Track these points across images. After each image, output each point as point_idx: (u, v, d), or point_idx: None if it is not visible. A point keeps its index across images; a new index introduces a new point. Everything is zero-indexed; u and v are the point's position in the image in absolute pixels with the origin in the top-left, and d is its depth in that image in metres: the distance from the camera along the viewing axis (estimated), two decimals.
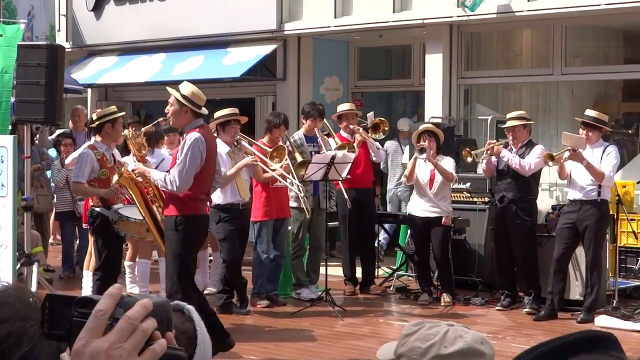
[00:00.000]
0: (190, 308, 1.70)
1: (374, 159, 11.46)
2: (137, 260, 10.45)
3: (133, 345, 1.35)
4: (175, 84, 16.04)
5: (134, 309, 1.37)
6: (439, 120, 12.93)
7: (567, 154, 9.66)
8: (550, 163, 9.92)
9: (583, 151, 9.69)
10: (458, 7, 12.82)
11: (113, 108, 9.52)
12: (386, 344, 2.65)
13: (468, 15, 12.83)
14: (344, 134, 11.45)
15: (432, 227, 10.68)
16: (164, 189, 8.10)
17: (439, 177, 10.58)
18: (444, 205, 10.68)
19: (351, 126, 11.33)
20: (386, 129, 11.51)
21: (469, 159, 10.57)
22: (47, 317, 1.42)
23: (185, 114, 8.01)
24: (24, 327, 1.56)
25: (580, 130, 9.90)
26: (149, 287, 10.36)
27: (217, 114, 10.11)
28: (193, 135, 7.96)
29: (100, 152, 8.98)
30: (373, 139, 11.35)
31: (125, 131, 8.87)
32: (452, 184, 10.88)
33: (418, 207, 10.78)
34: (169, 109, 8.06)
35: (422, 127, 11.06)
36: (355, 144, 11.11)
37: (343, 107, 11.71)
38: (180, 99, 7.95)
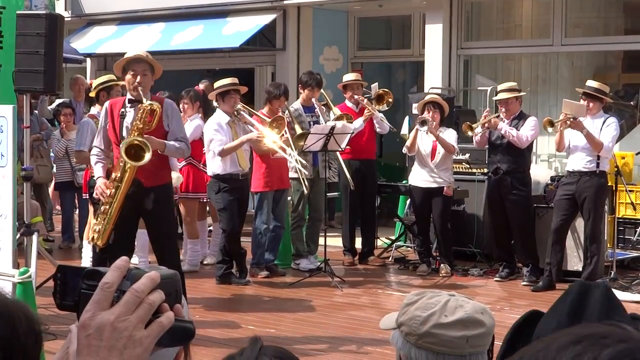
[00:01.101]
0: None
1: (377, 130, 11.45)
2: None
3: (139, 317, 1.36)
4: (174, 53, 16.08)
5: (140, 282, 1.38)
6: (439, 91, 12.91)
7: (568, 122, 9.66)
8: (550, 129, 9.94)
9: (584, 120, 9.70)
10: None
11: (108, 76, 9.47)
12: (389, 314, 2.68)
13: None
14: (349, 104, 11.44)
15: (433, 197, 10.68)
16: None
17: (441, 149, 10.57)
18: (446, 175, 10.68)
19: (356, 97, 11.32)
20: (390, 100, 11.48)
21: (470, 133, 10.56)
22: (59, 287, 1.43)
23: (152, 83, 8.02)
24: None
25: (581, 101, 9.89)
26: (148, 257, 10.39)
27: (216, 84, 10.09)
28: (172, 101, 8.11)
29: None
30: (377, 110, 11.34)
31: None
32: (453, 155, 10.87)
33: (419, 177, 10.77)
34: (144, 80, 7.76)
35: (427, 97, 11.04)
36: (362, 119, 11.08)
37: (348, 77, 11.68)
38: (157, 68, 7.93)
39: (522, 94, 10.66)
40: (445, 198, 10.67)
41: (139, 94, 7.76)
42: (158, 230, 8.04)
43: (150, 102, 7.79)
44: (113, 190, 7.74)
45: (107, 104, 8.15)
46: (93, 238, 7.95)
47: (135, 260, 10.44)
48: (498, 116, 10.46)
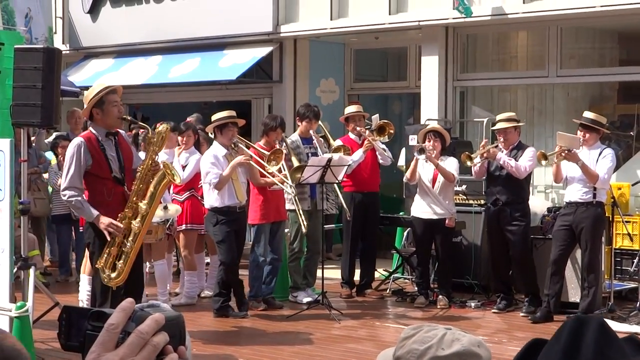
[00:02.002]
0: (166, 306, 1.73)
1: (380, 161, 11.48)
2: None
3: (144, 359, 1.38)
4: (171, 86, 16.16)
5: (145, 323, 1.40)
6: (435, 123, 12.95)
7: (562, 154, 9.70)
8: (544, 162, 10.00)
9: (579, 152, 9.75)
10: (453, 9, 12.85)
11: None
12: (386, 349, 2.71)
13: (463, 17, 12.88)
14: (352, 136, 11.48)
15: (434, 229, 10.71)
16: None
17: (441, 177, 10.61)
18: (448, 206, 10.71)
19: (358, 128, 11.36)
20: (391, 131, 11.51)
21: (469, 163, 10.60)
22: (64, 328, 1.45)
23: None
24: None
25: (578, 132, 9.94)
26: (146, 290, 10.39)
27: (214, 117, 10.13)
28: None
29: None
30: (379, 141, 11.36)
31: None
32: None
33: (421, 208, 10.80)
34: (122, 109, 7.86)
35: (428, 126, 11.10)
36: (362, 150, 11.12)
37: (350, 109, 11.73)
38: (120, 96, 7.95)
39: (520, 124, 10.71)
40: (447, 230, 10.70)
41: (122, 124, 7.80)
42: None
43: (163, 124, 7.80)
44: (139, 220, 7.51)
45: (79, 141, 7.64)
46: (110, 278, 7.51)
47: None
48: (496, 146, 10.50)
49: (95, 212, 7.55)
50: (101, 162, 7.61)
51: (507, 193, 10.37)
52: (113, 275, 7.52)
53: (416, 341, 2.55)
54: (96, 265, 7.56)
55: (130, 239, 7.52)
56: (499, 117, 10.76)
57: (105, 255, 7.55)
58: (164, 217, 10.01)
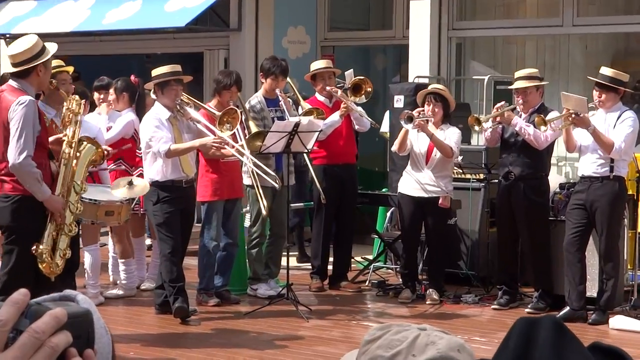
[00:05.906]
0: (82, 297, 1.70)
1: (356, 127, 11.44)
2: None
3: None
4: (106, 34, 16.03)
5: (41, 320, 1.36)
6: (426, 81, 12.95)
7: (569, 118, 9.69)
8: (543, 128, 9.96)
9: (594, 115, 9.75)
10: None
11: (57, 61, 9.22)
12: (348, 352, 2.66)
13: None
14: (320, 97, 11.42)
15: (425, 209, 10.69)
16: None
17: (437, 151, 10.54)
18: (443, 183, 10.66)
19: (328, 88, 11.30)
20: (369, 89, 11.40)
21: (477, 128, 10.53)
22: None
23: None
24: None
25: (594, 92, 9.93)
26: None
27: (154, 72, 10.00)
28: None
29: (49, 119, 8.84)
30: (355, 102, 11.30)
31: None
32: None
33: (411, 185, 10.75)
34: None
35: (430, 87, 11.03)
36: (339, 114, 11.05)
37: (317, 65, 11.67)
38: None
39: (543, 83, 10.67)
40: (440, 210, 10.68)
41: None
42: None
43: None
44: (76, 199, 7.99)
45: (30, 100, 7.56)
46: (57, 265, 7.84)
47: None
48: (514, 109, 10.43)
49: (48, 190, 7.67)
50: (43, 128, 7.74)
51: (522, 165, 10.34)
52: (59, 262, 7.75)
53: (381, 346, 2.50)
54: (35, 252, 7.63)
55: (72, 220, 7.82)
56: (517, 74, 10.67)
57: (48, 240, 7.70)
58: (128, 196, 9.80)
